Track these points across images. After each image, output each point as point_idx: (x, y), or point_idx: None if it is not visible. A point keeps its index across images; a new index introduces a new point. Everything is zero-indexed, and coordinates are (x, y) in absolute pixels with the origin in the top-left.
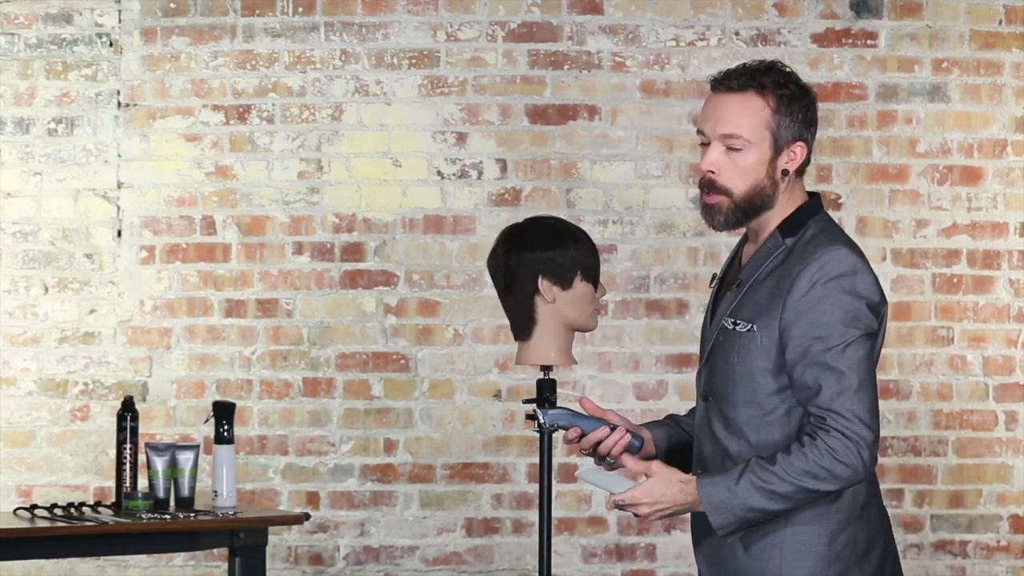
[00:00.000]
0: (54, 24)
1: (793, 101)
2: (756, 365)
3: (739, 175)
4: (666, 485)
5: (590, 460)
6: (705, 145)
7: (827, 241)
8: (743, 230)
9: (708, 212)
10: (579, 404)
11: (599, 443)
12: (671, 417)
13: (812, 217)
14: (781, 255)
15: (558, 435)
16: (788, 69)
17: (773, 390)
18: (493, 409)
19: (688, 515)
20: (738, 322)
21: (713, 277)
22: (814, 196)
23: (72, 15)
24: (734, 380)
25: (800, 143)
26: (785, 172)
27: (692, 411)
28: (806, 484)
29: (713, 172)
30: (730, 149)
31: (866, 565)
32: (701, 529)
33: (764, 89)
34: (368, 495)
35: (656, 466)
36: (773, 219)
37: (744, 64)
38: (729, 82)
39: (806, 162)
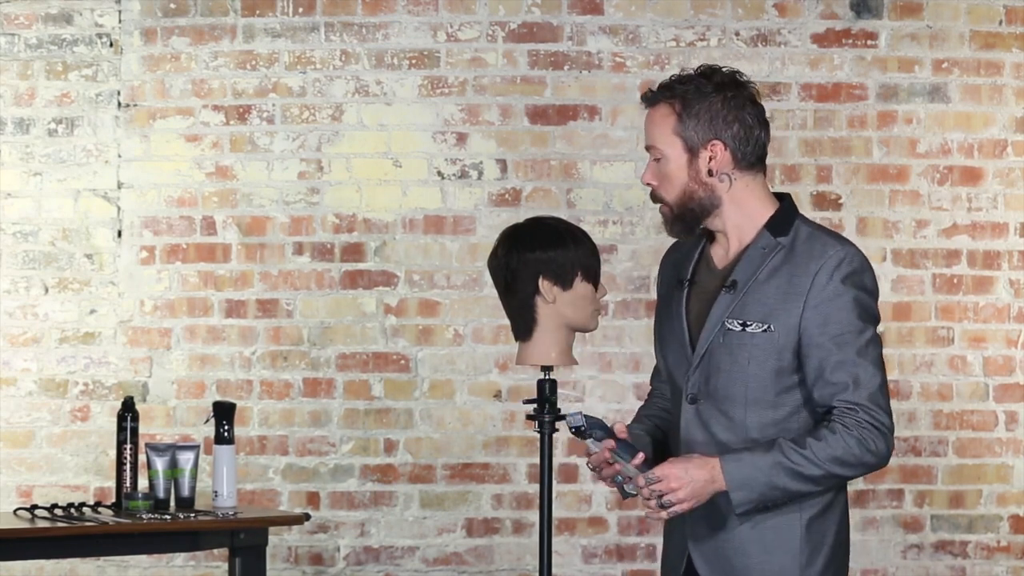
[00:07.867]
0: (54, 24)
1: (698, 102)
2: (768, 366)
3: (668, 183)
4: (685, 466)
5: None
6: None
7: (831, 238)
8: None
9: (664, 223)
10: (615, 429)
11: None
12: (647, 417)
13: (796, 217)
14: (780, 254)
15: (562, 437)
16: (708, 70)
17: (781, 390)
18: (493, 409)
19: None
20: (748, 323)
21: (681, 282)
22: (787, 196)
23: (72, 15)
24: (744, 382)
25: (715, 141)
26: (711, 172)
27: (651, 407)
28: (834, 470)
29: (651, 184)
30: (655, 160)
31: (847, 547)
32: (703, 529)
33: (673, 98)
34: (368, 495)
35: (667, 462)
36: (734, 218)
37: (670, 76)
38: (647, 98)
39: (753, 157)
